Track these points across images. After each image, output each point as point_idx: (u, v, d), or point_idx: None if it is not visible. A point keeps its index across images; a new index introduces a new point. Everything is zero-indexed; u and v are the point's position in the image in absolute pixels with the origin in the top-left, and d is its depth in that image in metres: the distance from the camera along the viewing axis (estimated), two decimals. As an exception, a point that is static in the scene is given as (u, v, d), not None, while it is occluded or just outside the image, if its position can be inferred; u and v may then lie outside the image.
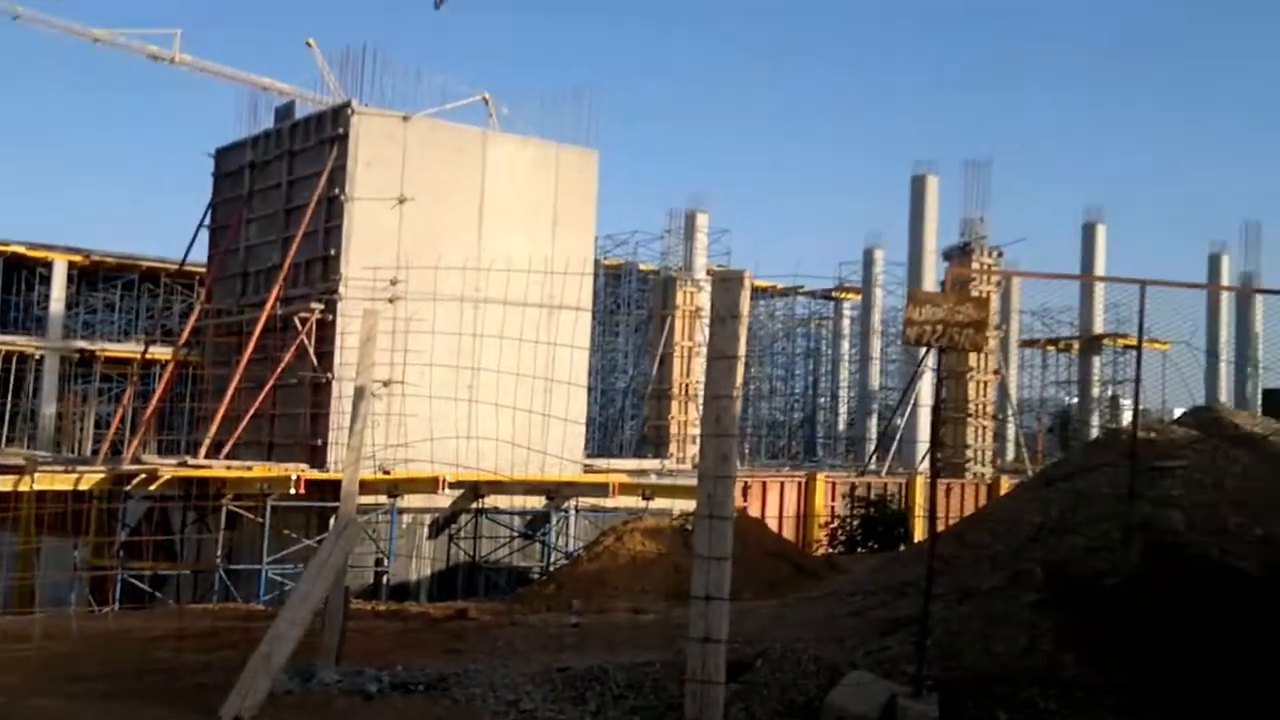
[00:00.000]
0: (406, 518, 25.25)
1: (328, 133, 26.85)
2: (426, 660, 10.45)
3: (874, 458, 46.50)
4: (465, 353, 19.77)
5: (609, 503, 25.70)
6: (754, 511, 27.87)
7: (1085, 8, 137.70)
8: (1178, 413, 14.51)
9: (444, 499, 24.97)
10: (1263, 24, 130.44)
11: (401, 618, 15.24)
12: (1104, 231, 57.79)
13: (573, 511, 26.64)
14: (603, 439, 55.67)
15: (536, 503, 26.18)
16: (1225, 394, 53.55)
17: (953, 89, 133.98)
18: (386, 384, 20.85)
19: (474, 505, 25.82)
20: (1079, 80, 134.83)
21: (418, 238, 25.83)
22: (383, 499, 24.34)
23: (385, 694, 8.83)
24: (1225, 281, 61.41)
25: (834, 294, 65.71)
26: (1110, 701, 8.45)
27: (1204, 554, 10.17)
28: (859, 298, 62.76)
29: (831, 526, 28.03)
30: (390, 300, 22.91)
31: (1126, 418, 56.00)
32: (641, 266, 57.95)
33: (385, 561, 24.68)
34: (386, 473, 23.44)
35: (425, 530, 25.82)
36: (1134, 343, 13.73)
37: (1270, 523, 10.79)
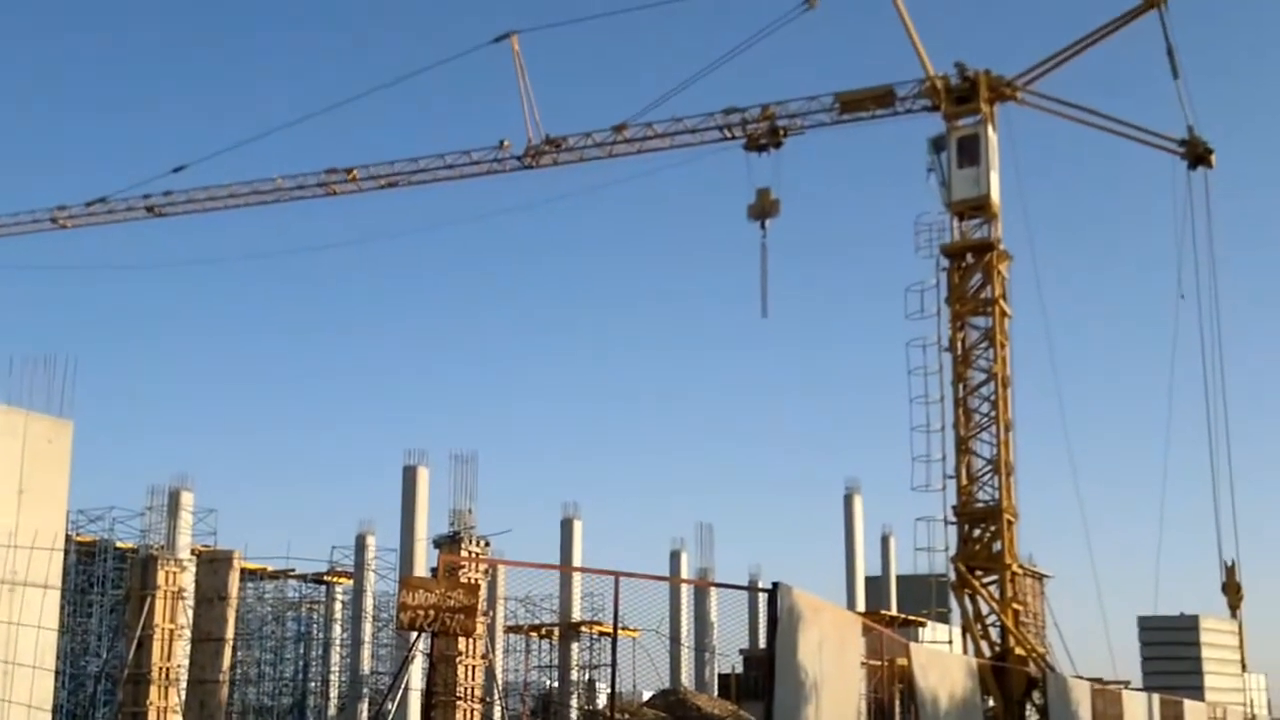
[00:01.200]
0: None
1: None
2: None
3: (362, 746, 44.41)
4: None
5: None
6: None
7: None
8: (647, 695, 15.30)
9: None
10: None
11: None
12: (580, 526, 61.20)
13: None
14: (68, 731, 49.33)
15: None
16: (687, 677, 56.97)
17: (444, 386, 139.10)
18: None
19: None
20: (561, 385, 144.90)
21: None
22: None
23: None
24: (685, 574, 66.47)
25: (326, 578, 64.02)
26: None
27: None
28: (351, 582, 61.49)
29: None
30: None
31: (603, 699, 57.91)
32: (119, 544, 53.79)
33: None
34: None
35: None
36: (609, 629, 14.48)
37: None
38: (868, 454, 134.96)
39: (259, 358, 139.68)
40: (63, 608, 43.59)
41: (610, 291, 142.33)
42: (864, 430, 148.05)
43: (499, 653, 59.48)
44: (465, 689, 47.44)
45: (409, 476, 51.06)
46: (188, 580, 46.30)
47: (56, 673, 42.18)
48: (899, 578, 69.94)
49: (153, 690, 46.72)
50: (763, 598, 10.34)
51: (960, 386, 30.89)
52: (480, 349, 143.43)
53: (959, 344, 31.19)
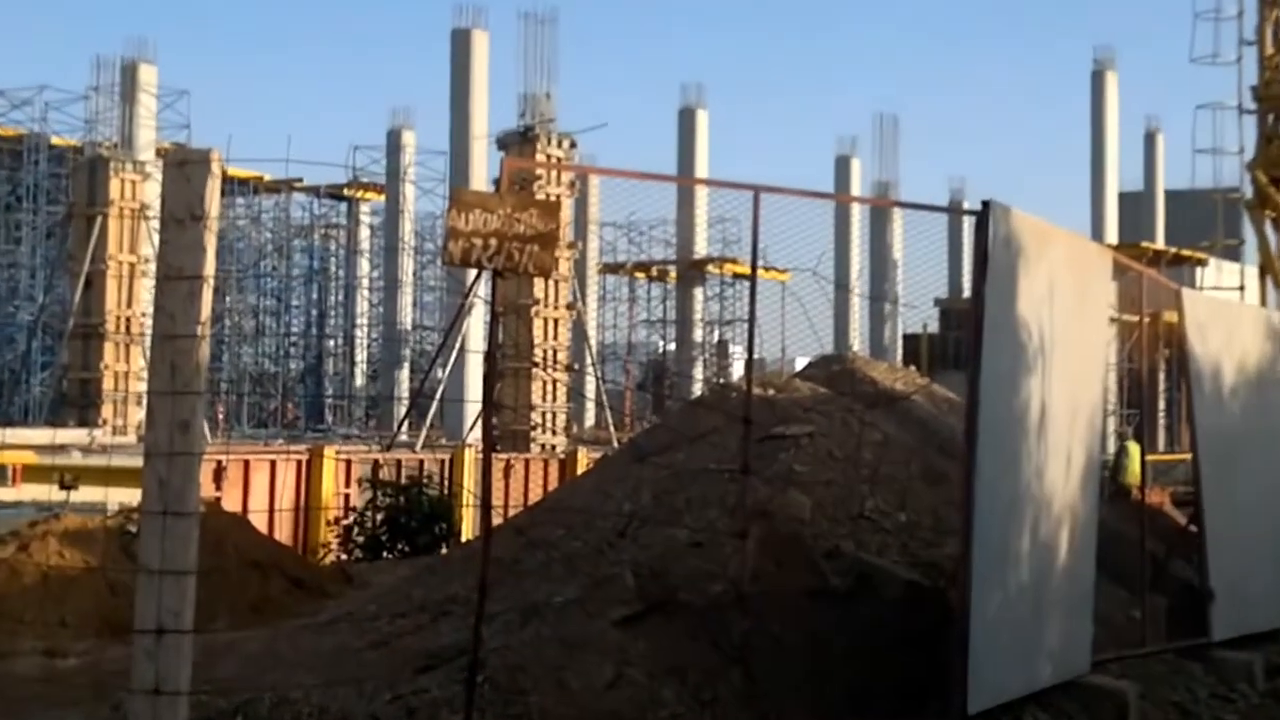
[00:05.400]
0: None
1: None
2: None
3: (405, 425, 46.91)
4: None
5: (7, 495, 24.49)
6: (232, 504, 27.33)
7: None
8: (802, 363, 15.54)
9: None
10: None
11: None
12: (705, 119, 61.09)
13: (-51, 509, 25.20)
14: (-4, 398, 52.97)
15: (-110, 496, 24.65)
16: (858, 338, 58.36)
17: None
18: None
19: None
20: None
21: None
22: None
23: None
24: (856, 191, 66.73)
25: (347, 192, 65.48)
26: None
27: (836, 548, 11.00)
28: (382, 198, 62.93)
29: (346, 523, 28.01)
30: None
31: (737, 369, 59.73)
32: (55, 140, 55.31)
33: None
34: None
35: None
36: (746, 270, 14.57)
37: (916, 506, 11.81)
38: (1125, 12, 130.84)
39: None
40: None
41: None
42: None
43: (592, 302, 61.26)
44: (545, 351, 49.24)
45: (460, 45, 50.94)
46: (152, 192, 47.87)
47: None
48: (1168, 194, 69.31)
49: (107, 348, 49.39)
50: (968, 224, 10.19)
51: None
52: None
53: None
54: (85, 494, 24.03)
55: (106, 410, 47.24)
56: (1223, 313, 16.21)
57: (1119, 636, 12.18)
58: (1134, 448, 17.09)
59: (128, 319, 48.35)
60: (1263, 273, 29.12)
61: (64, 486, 24.44)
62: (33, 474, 24.93)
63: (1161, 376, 32.91)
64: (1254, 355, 15.04)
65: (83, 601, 16.68)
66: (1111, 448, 17.97)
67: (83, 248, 48.76)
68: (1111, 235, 58.56)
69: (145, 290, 46.79)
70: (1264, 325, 15.87)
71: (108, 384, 48.06)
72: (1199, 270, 44.49)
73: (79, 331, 49.05)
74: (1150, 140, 70.94)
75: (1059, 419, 10.91)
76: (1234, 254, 37.19)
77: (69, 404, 48.98)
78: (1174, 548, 14.58)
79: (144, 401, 7.04)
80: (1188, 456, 15.60)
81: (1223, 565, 13.56)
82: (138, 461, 6.81)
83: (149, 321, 6.77)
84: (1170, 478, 22.10)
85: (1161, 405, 38.84)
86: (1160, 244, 56.30)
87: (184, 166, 6.53)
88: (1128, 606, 12.77)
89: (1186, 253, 46.63)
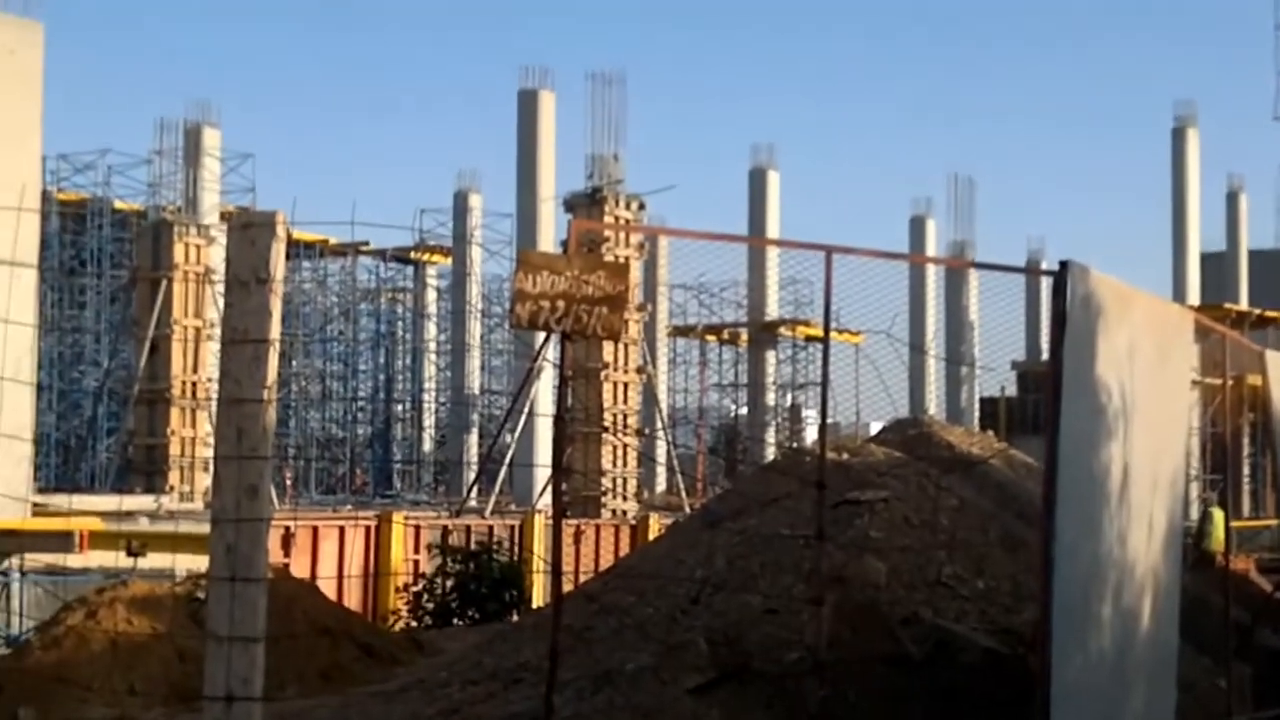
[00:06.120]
0: None
1: None
2: None
3: (474, 490, 47.06)
4: None
5: (75, 561, 24.73)
6: (301, 570, 27.56)
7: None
8: (876, 427, 15.55)
9: None
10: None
11: None
12: (776, 181, 61.22)
13: (16, 575, 25.46)
14: (63, 465, 53.40)
15: (-42, 562, 24.92)
16: (934, 402, 58.07)
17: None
18: None
19: None
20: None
21: None
22: None
23: None
24: (931, 252, 66.55)
25: (413, 255, 65.90)
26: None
27: (914, 614, 10.98)
28: (449, 261, 63.33)
29: (415, 589, 28.15)
30: None
31: (811, 433, 59.59)
32: (119, 204, 55.93)
33: None
34: None
35: None
36: (819, 332, 14.63)
37: (994, 573, 11.78)
38: (1208, 69, 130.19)
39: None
40: (43, 294, 46.12)
41: None
42: (1201, 31, 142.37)
43: (662, 366, 61.28)
44: (614, 416, 49.31)
45: (526, 106, 51.25)
46: (216, 256, 48.37)
47: (39, 388, 45.12)
48: (1252, 254, 68.76)
49: (173, 413, 49.69)
50: (1045, 285, 10.20)
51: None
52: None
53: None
54: (153, 560, 24.26)
55: (173, 476, 47.53)
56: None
57: (1204, 705, 12.09)
58: (1218, 513, 16.99)
59: (193, 384, 48.70)
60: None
61: (131, 553, 24.69)
62: (100, 540, 25.13)
63: (1245, 441, 32.60)
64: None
65: (151, 668, 16.84)
66: (1195, 514, 17.82)
67: (147, 312, 49.22)
68: (1193, 296, 58.10)
69: (210, 355, 47.15)
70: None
71: (174, 449, 48.36)
72: (1286, 331, 44.21)
73: (144, 397, 49.46)
74: (1233, 199, 70.42)
75: (1140, 483, 10.86)
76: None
77: (135, 470, 49.28)
78: (1259, 615, 14.45)
79: (210, 467, 7.16)
80: (1273, 522, 15.48)
81: (1311, 633, 13.46)
82: (205, 527, 6.89)
83: (214, 386, 6.91)
84: (1255, 544, 21.92)
85: (1246, 470, 38.47)
86: (1244, 305, 55.91)
87: (249, 230, 6.61)
88: (1212, 675, 12.66)
89: (1271, 314, 46.29)
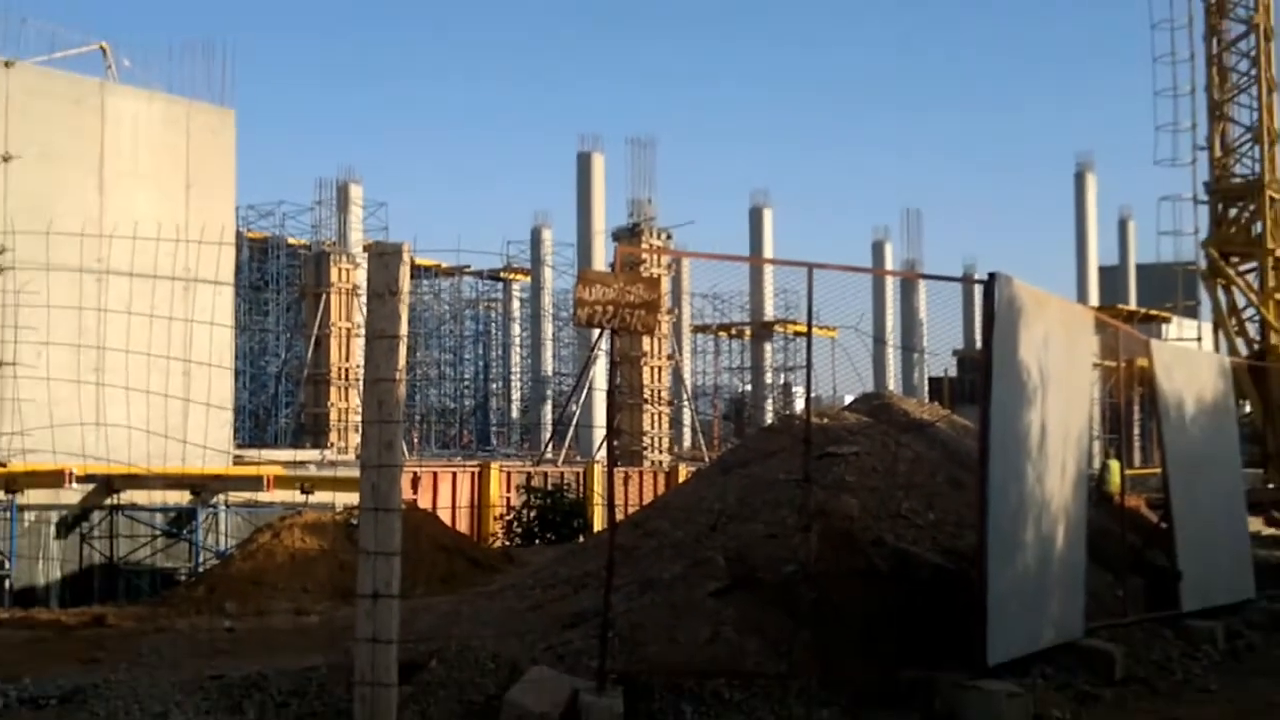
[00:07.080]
0: (29, 515, 23.40)
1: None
2: (60, 671, 9.78)
3: (550, 446, 47.02)
4: (88, 330, 18.45)
5: (264, 497, 24.87)
6: (425, 504, 27.54)
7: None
8: (849, 399, 15.37)
9: (73, 494, 23.38)
10: (926, 17, 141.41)
11: (29, 625, 14.31)
12: (770, 215, 60.94)
13: (223, 507, 25.53)
14: (254, 428, 53.64)
15: (181, 498, 24.98)
16: (893, 380, 57.66)
17: (616, 66, 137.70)
18: (-5, 364, 19.15)
19: (108, 501, 24.26)
20: (742, 62, 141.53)
21: (25, 198, 23.84)
22: (-1, 494, 22.56)
23: (13, 709, 8.11)
24: (889, 266, 66.10)
25: (502, 274, 65.98)
26: (795, 688, 8.81)
27: (879, 539, 10.80)
28: (528, 279, 63.33)
29: (507, 518, 28.10)
30: (-9, 269, 21.05)
31: (799, 404, 59.33)
32: (290, 240, 56.23)
33: (7, 564, 22.79)
34: (2, 465, 21.66)
35: (52, 529, 24.04)
36: (804, 329, 14.38)
37: (942, 507, 11.58)
38: (1102, 125, 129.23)
39: (417, 45, 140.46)
40: (238, 306, 46.34)
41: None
42: (1097, 97, 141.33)
43: (686, 354, 61.05)
44: (652, 391, 49.34)
45: (583, 164, 51.40)
46: (361, 277, 48.50)
47: (236, 372, 45.31)
48: (1139, 267, 67.86)
49: (332, 391, 50.03)
50: (978, 291, 9.97)
51: (1214, 41, 28.34)
52: (660, 22, 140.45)
53: (1213, -13, 28.56)
54: (319, 497, 24.29)
55: (333, 436, 47.78)
56: (1183, 357, 15.86)
57: (1106, 609, 11.88)
58: (1114, 463, 16.63)
59: (346, 369, 48.92)
60: (1215, 328, 28.26)
61: (304, 492, 24.75)
62: (281, 483, 25.26)
63: (1135, 409, 32.12)
64: (1208, 390, 14.71)
65: (319, 574, 16.90)
66: (1097, 464, 17.47)
67: (312, 318, 49.49)
68: (1094, 299, 57.52)
69: (358, 348, 47.31)
70: (1216, 367, 15.53)
71: (334, 417, 48.62)
72: (1164, 326, 43.45)
73: (311, 379, 49.72)
74: (1123, 225, 69.65)
75: (1054, 440, 10.67)
76: (1192, 313, 36.27)
77: (306, 432, 49.60)
78: (1149, 540, 14.20)
79: (359, 429, 7.06)
80: (1158, 469, 15.16)
81: (1189, 552, 13.22)
82: (356, 473, 6.86)
83: (362, 371, 6.81)
84: (1144, 487, 21.52)
85: (1136, 431, 37.90)
86: (1133, 306, 55.16)
87: (383, 256, 6.61)
88: (1113, 586, 12.44)
89: (1154, 313, 45.58)
